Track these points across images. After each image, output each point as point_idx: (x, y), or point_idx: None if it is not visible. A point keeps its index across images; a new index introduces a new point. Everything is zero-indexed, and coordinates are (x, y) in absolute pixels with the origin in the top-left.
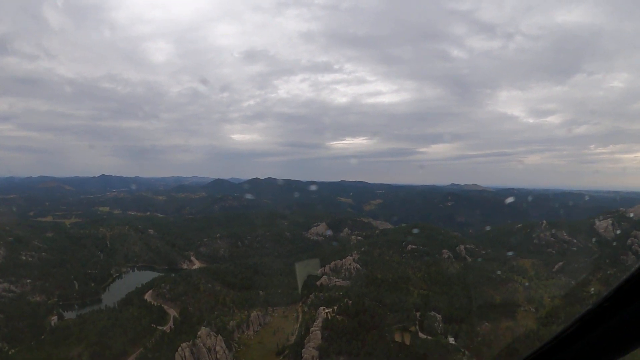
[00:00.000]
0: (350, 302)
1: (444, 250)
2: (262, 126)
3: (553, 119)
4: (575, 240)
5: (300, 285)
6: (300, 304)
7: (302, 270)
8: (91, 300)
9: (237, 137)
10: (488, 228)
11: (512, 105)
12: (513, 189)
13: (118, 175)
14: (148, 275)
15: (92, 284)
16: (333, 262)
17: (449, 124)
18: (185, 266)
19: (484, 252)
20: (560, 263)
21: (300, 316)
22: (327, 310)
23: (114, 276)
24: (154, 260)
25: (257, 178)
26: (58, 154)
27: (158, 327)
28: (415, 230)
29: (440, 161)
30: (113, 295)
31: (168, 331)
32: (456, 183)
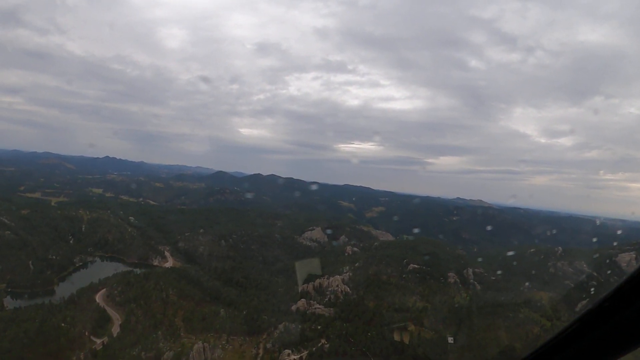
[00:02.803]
0: (328, 345)
1: (450, 274)
2: (271, 122)
3: (565, 141)
4: (595, 274)
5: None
6: (264, 336)
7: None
8: (44, 290)
9: (244, 131)
10: (492, 243)
11: (526, 123)
12: (519, 208)
13: (123, 158)
14: (113, 269)
15: (49, 272)
16: (318, 281)
17: (459, 136)
18: (156, 262)
19: (493, 278)
20: (584, 302)
21: (261, 354)
22: (293, 358)
23: (77, 265)
24: (126, 251)
25: (259, 174)
26: (64, 132)
27: (92, 339)
28: (417, 244)
29: (447, 173)
30: (70, 287)
31: (99, 348)
32: (461, 197)
